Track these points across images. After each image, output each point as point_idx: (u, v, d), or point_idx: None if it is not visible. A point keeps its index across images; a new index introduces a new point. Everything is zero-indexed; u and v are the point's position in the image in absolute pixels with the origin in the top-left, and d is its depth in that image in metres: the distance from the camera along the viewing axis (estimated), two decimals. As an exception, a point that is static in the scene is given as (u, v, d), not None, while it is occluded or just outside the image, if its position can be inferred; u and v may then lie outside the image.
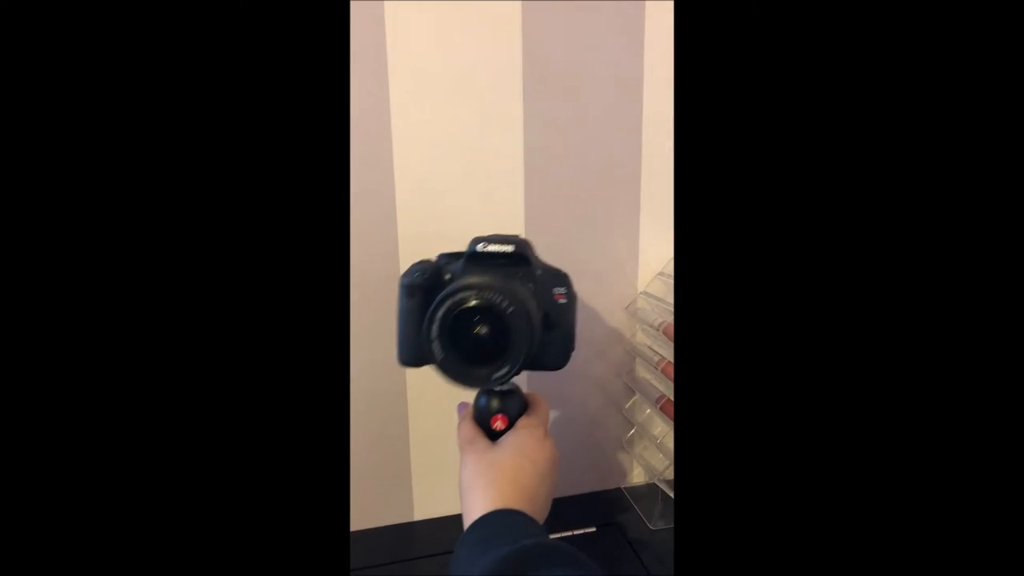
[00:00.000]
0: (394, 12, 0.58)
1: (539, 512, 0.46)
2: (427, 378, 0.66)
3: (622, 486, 0.74)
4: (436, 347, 0.44)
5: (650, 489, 0.72)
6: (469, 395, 0.52)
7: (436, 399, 0.68)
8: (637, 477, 0.75)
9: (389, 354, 0.65)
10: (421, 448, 0.68)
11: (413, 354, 0.50)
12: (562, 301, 0.49)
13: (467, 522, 0.45)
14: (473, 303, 0.44)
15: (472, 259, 0.49)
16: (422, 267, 0.50)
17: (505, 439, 0.50)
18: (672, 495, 0.64)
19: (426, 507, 0.70)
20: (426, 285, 0.48)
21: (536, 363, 0.49)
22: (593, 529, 0.66)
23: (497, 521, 0.43)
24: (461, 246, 0.61)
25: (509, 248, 0.48)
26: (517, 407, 0.51)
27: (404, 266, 0.64)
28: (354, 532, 0.67)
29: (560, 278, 0.50)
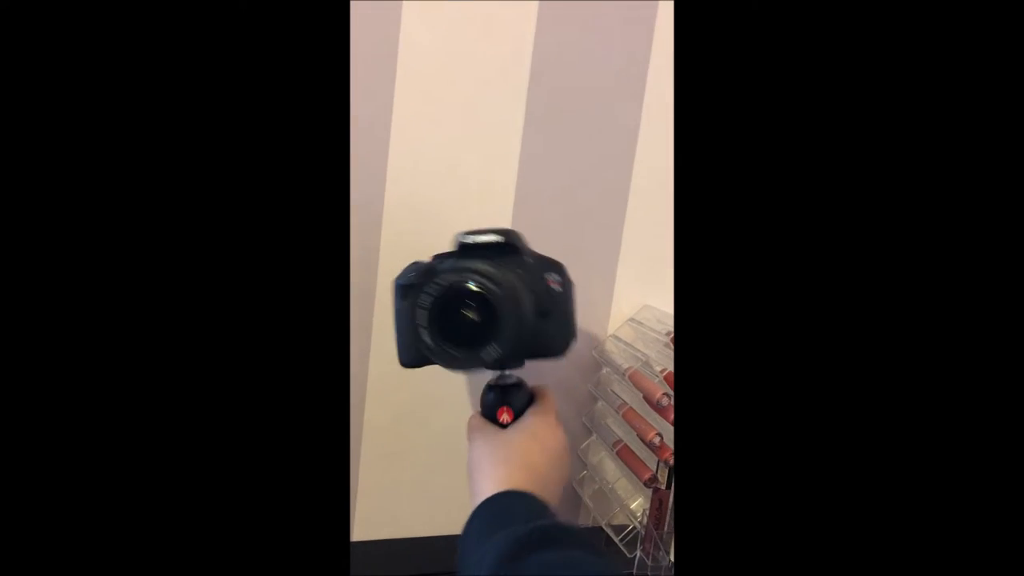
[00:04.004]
0: (410, 12, 0.59)
1: (550, 496, 0.45)
2: (386, 393, 0.66)
3: (567, 527, 0.74)
4: (425, 335, 0.44)
5: (595, 533, 0.72)
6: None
7: (394, 416, 0.67)
8: (583, 519, 0.75)
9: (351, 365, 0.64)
10: (371, 465, 0.67)
11: (412, 354, 0.49)
12: (556, 288, 0.50)
13: (474, 503, 0.44)
14: (456, 285, 0.44)
15: (461, 252, 0.49)
16: (416, 267, 0.50)
17: (515, 424, 0.50)
18: (616, 540, 0.65)
19: (368, 528, 0.68)
20: (420, 284, 0.47)
21: (536, 352, 0.50)
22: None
23: (506, 502, 0.42)
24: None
25: (496, 238, 0.49)
26: (522, 400, 0.52)
27: (382, 276, 0.64)
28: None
29: (553, 265, 0.51)
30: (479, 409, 0.54)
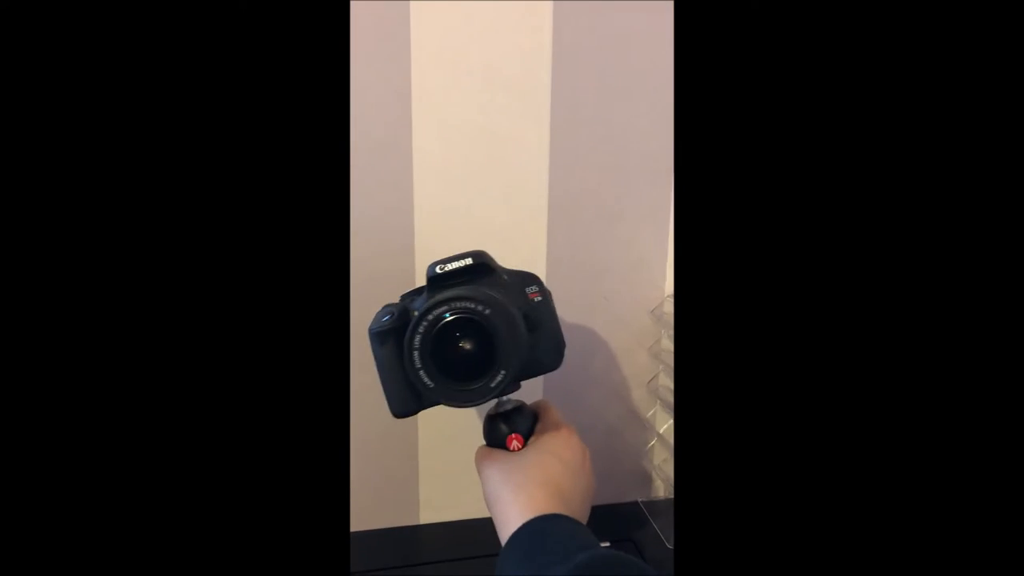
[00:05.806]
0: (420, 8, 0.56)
1: (577, 512, 0.43)
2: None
3: (639, 500, 0.70)
4: (423, 376, 0.42)
5: (669, 504, 0.68)
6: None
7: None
8: (656, 491, 0.71)
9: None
10: (430, 449, 0.65)
11: (404, 402, 0.47)
12: (537, 299, 0.48)
13: (503, 536, 0.41)
14: (448, 317, 0.41)
15: (433, 284, 0.46)
16: (388, 311, 0.48)
17: (526, 447, 0.47)
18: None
19: (432, 511, 0.67)
20: (397, 327, 0.46)
21: (531, 368, 0.47)
22: (607, 544, 0.62)
23: (538, 532, 0.39)
24: (480, 235, 0.58)
25: (468, 261, 0.46)
26: (527, 422, 0.50)
27: (420, 259, 0.61)
28: (355, 533, 0.64)
29: (529, 277, 0.49)
30: (483, 443, 0.51)
